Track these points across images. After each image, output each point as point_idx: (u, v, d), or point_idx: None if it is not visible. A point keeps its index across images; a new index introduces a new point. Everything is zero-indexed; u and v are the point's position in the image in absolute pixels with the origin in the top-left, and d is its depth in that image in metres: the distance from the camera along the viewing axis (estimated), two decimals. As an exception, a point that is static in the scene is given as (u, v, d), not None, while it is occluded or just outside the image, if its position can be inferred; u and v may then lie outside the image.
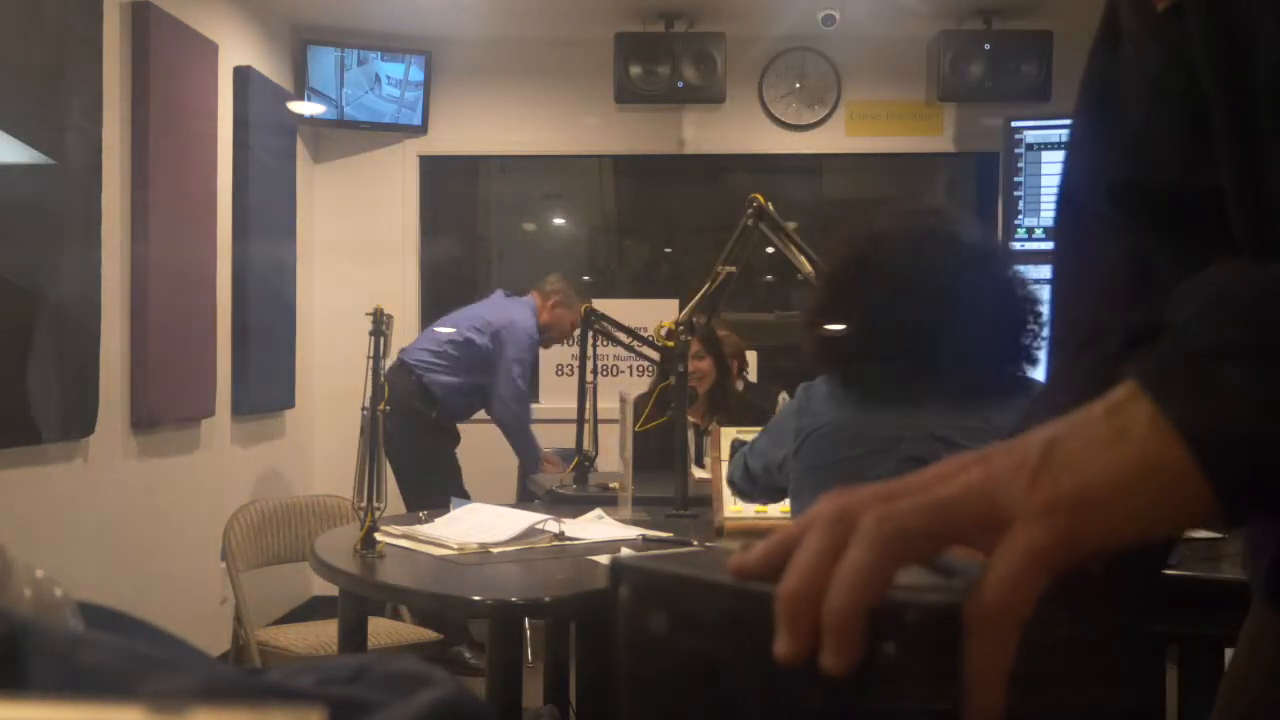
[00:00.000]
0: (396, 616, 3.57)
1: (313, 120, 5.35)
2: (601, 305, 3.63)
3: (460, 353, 4.64)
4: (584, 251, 6.23)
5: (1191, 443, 0.45)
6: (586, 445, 3.53)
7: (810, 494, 2.00)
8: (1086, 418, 0.47)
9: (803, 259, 2.79)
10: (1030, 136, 5.01)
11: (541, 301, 4.79)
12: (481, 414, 4.98)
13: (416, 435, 4.41)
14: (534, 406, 5.47)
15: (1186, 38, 0.65)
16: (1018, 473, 0.46)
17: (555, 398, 5.33)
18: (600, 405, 3.57)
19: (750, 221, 2.84)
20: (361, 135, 5.52)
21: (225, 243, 4.50)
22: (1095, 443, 0.46)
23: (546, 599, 2.28)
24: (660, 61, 5.16)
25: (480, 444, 4.89)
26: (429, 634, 3.42)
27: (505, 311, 4.76)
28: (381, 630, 3.32)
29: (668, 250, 6.20)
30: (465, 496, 3.67)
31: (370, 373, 2.67)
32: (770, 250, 2.94)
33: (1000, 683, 0.43)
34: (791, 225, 2.91)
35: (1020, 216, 5.05)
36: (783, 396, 3.30)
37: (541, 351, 5.52)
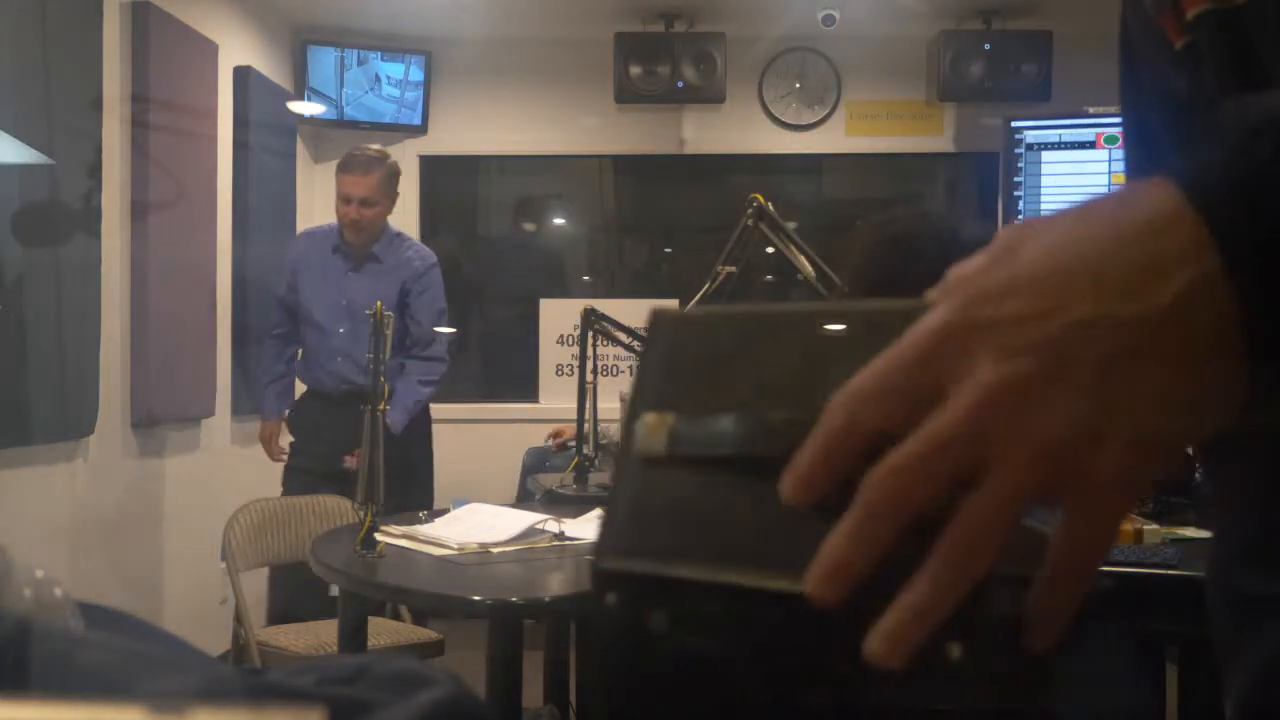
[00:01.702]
0: (396, 616, 3.57)
1: (313, 120, 5.35)
2: (601, 305, 3.62)
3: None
4: (584, 251, 6.23)
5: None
6: (586, 445, 3.53)
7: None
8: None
9: (803, 259, 2.79)
10: (1030, 136, 5.01)
11: None
12: (480, 413, 4.98)
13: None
14: (534, 406, 5.47)
15: (1204, 76, 0.62)
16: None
17: (555, 398, 5.33)
18: (600, 405, 3.57)
19: (750, 221, 2.84)
20: (361, 135, 5.51)
21: (225, 243, 4.50)
22: (1151, 355, 0.40)
23: (546, 599, 2.29)
24: (660, 61, 5.16)
25: (480, 444, 4.89)
26: (429, 634, 3.41)
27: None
28: (381, 630, 3.31)
29: (668, 250, 6.19)
30: None
31: (370, 373, 2.68)
32: (770, 250, 2.94)
33: (1075, 604, 0.41)
34: (791, 225, 2.92)
35: (1020, 216, 5.05)
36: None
37: (541, 351, 5.52)
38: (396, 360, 3.85)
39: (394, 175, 3.98)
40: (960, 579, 0.40)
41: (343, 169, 3.89)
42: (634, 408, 0.50)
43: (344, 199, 3.87)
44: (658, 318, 0.52)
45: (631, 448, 0.50)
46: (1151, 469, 0.41)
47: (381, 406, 2.62)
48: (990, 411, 0.40)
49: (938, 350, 0.42)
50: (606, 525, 0.51)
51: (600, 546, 0.50)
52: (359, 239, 3.94)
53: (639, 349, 0.48)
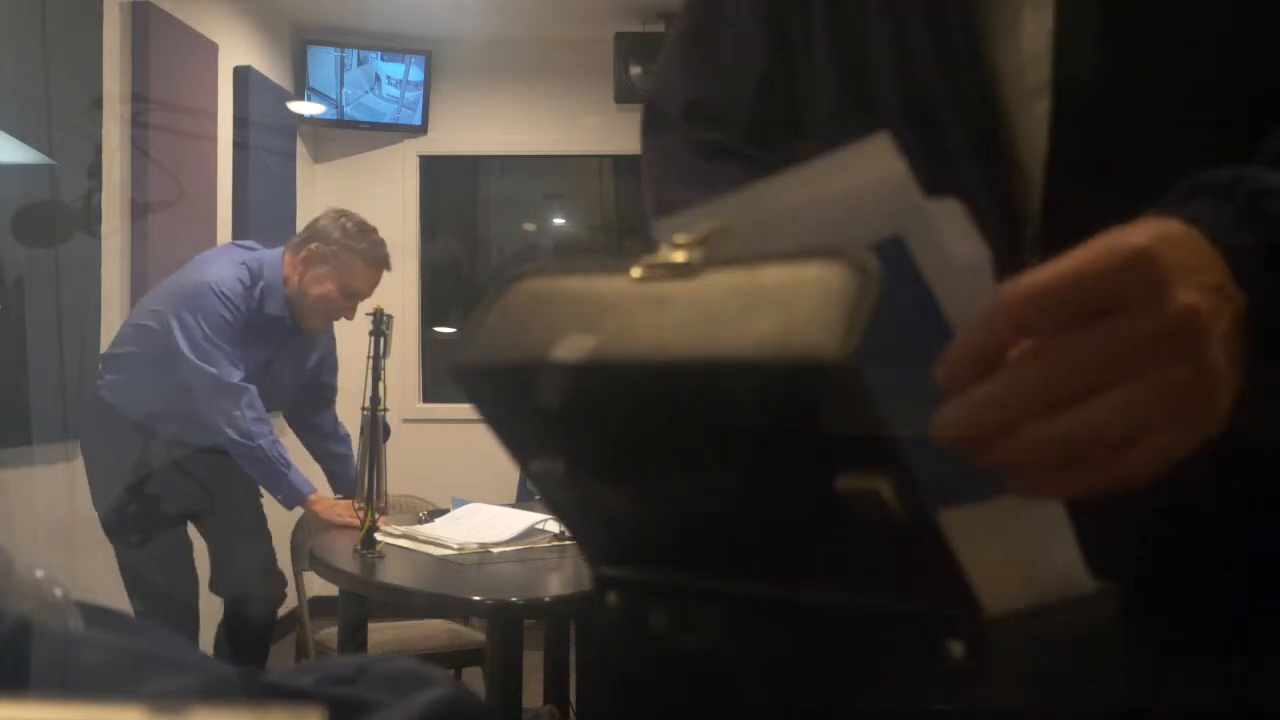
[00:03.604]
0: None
1: (313, 120, 5.35)
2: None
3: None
4: (584, 251, 6.23)
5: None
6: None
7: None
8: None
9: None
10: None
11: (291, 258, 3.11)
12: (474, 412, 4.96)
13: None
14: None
15: None
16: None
17: (555, 398, 5.33)
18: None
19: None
20: (361, 135, 5.52)
21: (225, 243, 4.50)
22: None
23: (546, 599, 2.29)
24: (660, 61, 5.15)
25: (480, 444, 4.89)
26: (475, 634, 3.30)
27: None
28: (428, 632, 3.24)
29: (668, 250, 6.19)
30: None
31: (370, 373, 2.68)
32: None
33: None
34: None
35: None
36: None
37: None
38: (331, 424, 3.38)
39: None
40: (1041, 387, 0.44)
41: (370, 259, 3.08)
42: (517, 460, 0.50)
43: (356, 294, 3.10)
44: (458, 373, 0.49)
45: (541, 493, 0.52)
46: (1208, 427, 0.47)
47: (381, 407, 2.63)
48: (1192, 325, 0.46)
49: (1129, 266, 0.46)
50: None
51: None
52: (317, 328, 3.18)
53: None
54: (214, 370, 2.90)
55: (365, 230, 3.11)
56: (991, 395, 0.44)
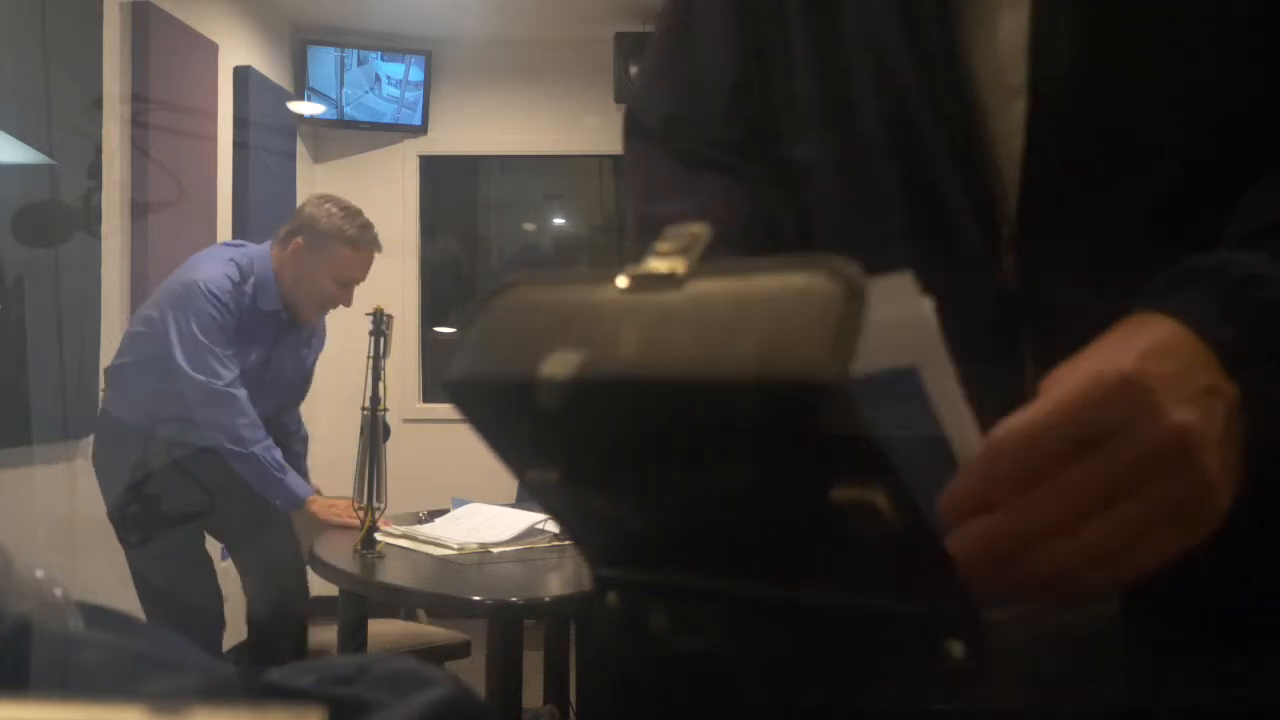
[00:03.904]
0: (411, 617, 3.49)
1: (313, 120, 5.35)
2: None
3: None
4: (584, 251, 6.23)
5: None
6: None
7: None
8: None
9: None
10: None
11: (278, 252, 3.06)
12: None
13: None
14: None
15: None
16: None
17: (555, 398, 5.33)
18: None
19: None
20: (361, 135, 5.52)
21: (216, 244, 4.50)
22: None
23: (546, 599, 2.29)
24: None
25: (480, 444, 4.88)
26: (456, 635, 3.32)
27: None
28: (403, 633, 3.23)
29: (668, 250, 6.19)
30: None
31: (370, 373, 2.68)
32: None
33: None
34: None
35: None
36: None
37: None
38: (296, 423, 3.32)
39: None
40: (1040, 522, 0.45)
41: (360, 244, 3.02)
42: (514, 471, 0.50)
43: (350, 281, 3.06)
44: (451, 389, 0.49)
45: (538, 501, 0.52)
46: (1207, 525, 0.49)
47: (381, 408, 2.62)
48: (1184, 442, 0.47)
49: (1116, 394, 0.47)
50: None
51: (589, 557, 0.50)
52: (315, 318, 3.13)
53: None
54: (203, 378, 2.86)
55: (351, 214, 3.03)
56: (993, 531, 0.45)
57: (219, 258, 3.05)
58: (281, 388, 3.17)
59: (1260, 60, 0.62)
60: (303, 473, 3.15)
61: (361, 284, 3.14)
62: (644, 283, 0.44)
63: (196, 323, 2.88)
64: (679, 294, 0.43)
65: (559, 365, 0.43)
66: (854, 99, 0.72)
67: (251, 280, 2.99)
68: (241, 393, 2.91)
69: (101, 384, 3.23)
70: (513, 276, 0.49)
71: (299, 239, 3.01)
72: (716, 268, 0.43)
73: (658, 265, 0.44)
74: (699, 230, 0.44)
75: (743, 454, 0.42)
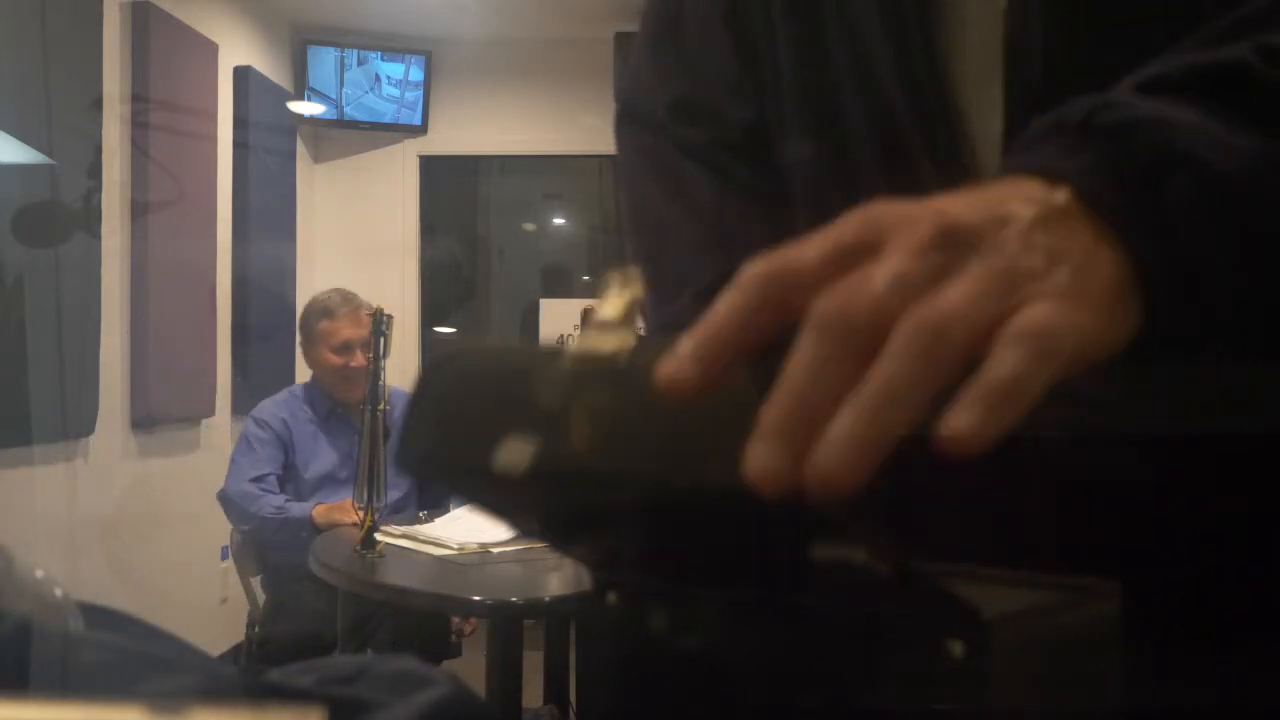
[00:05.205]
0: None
1: (313, 120, 5.35)
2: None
3: None
4: (584, 251, 6.23)
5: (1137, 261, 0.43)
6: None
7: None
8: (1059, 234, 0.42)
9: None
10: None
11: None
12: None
13: None
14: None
15: None
16: (1032, 277, 0.40)
17: (555, 398, 5.33)
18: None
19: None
20: (361, 135, 5.52)
21: (225, 243, 4.50)
22: (1063, 252, 0.41)
23: (546, 599, 2.29)
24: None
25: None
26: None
27: None
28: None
29: (668, 250, 6.19)
30: None
31: (370, 372, 2.68)
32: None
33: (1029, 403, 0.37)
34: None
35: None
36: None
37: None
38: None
39: None
40: (921, 369, 0.37)
41: (336, 311, 3.26)
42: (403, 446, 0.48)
43: (345, 343, 3.23)
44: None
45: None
46: (1064, 343, 0.39)
47: (381, 406, 2.63)
48: (958, 222, 0.40)
49: (879, 216, 0.40)
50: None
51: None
52: (357, 394, 3.11)
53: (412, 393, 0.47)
54: (223, 490, 3.18)
55: (330, 293, 3.35)
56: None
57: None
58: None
59: None
60: None
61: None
62: (592, 363, 0.42)
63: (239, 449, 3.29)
64: (625, 376, 0.41)
65: (512, 456, 0.41)
66: (838, 106, 0.73)
67: (303, 396, 3.35)
68: (243, 485, 3.16)
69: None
70: (446, 353, 0.47)
71: (300, 340, 3.39)
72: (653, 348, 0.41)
73: (602, 344, 0.42)
74: (631, 290, 0.43)
75: (719, 524, 0.42)
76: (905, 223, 0.40)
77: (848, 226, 0.40)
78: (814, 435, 0.36)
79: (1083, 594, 0.49)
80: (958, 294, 0.38)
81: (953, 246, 0.39)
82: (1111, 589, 0.49)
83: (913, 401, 0.37)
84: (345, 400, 3.24)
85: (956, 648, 0.42)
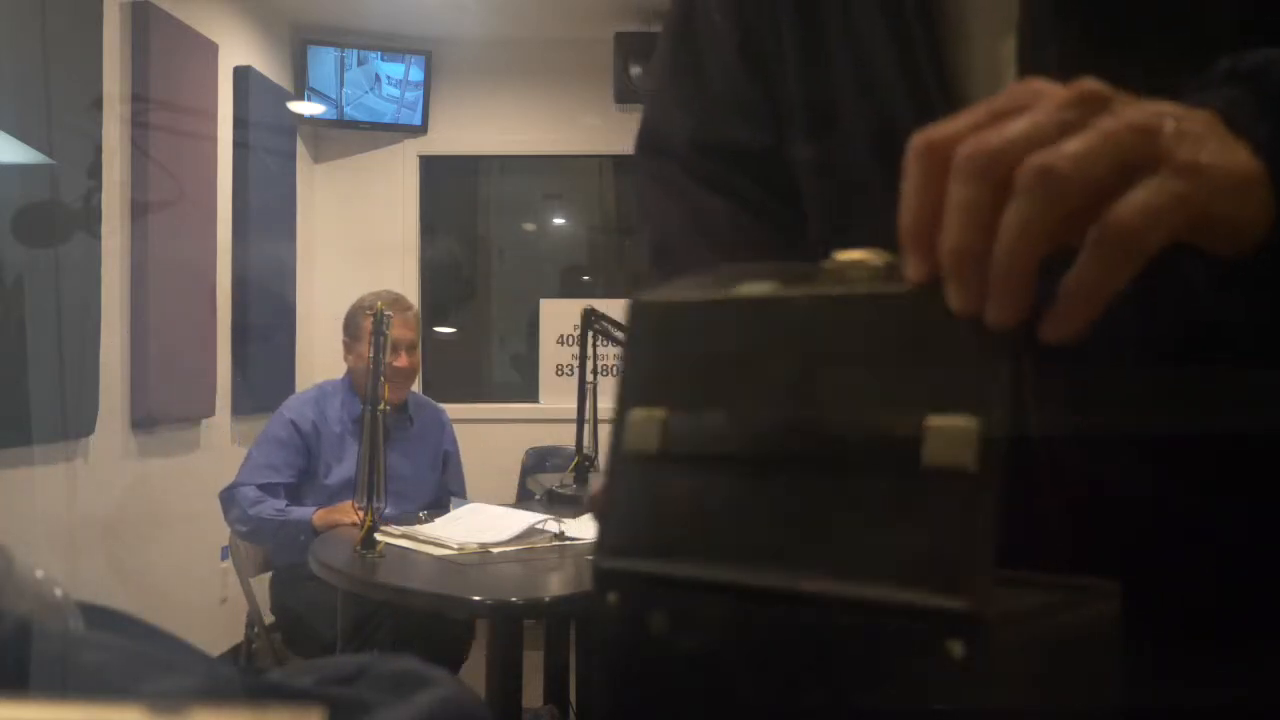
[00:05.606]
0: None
1: (313, 120, 5.35)
2: (601, 305, 3.62)
3: None
4: (584, 251, 6.23)
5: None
6: (586, 445, 3.53)
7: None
8: (1195, 115, 0.47)
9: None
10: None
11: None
12: (480, 413, 4.97)
13: None
14: (535, 406, 5.47)
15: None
16: (1156, 132, 0.45)
17: (555, 398, 5.33)
18: (600, 405, 3.57)
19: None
20: (361, 135, 5.52)
21: (225, 243, 4.50)
22: (1214, 136, 0.47)
23: (546, 599, 2.29)
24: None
25: (479, 443, 4.89)
26: None
27: None
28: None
29: (668, 250, 6.19)
30: None
31: (371, 372, 2.68)
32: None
33: (1103, 303, 0.44)
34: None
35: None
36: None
37: (541, 351, 5.51)
38: None
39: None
40: (1125, 256, 0.43)
41: (387, 306, 3.06)
42: (622, 403, 0.50)
43: (389, 347, 3.06)
44: (640, 306, 0.51)
45: (622, 445, 0.50)
46: (1164, 221, 0.44)
47: (381, 406, 2.62)
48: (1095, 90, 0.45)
49: (1033, 85, 0.46)
50: (603, 524, 0.51)
51: (600, 546, 0.50)
52: (397, 395, 3.23)
53: (623, 339, 0.48)
54: (230, 486, 3.16)
55: (374, 295, 3.34)
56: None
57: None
58: (421, 481, 3.39)
59: None
60: None
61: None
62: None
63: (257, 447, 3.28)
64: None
65: (754, 288, 0.47)
66: (844, 125, 0.73)
67: (338, 396, 3.36)
68: (243, 486, 3.15)
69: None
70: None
71: (344, 339, 3.40)
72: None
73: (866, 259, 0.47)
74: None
75: None
76: (1052, 89, 0.45)
77: (1003, 94, 0.46)
78: (980, 270, 0.43)
79: (1083, 594, 0.49)
80: (1078, 142, 0.43)
81: (1090, 107, 0.44)
82: (1111, 589, 0.48)
83: (1034, 235, 0.43)
84: (391, 400, 3.11)
85: (956, 648, 0.42)
